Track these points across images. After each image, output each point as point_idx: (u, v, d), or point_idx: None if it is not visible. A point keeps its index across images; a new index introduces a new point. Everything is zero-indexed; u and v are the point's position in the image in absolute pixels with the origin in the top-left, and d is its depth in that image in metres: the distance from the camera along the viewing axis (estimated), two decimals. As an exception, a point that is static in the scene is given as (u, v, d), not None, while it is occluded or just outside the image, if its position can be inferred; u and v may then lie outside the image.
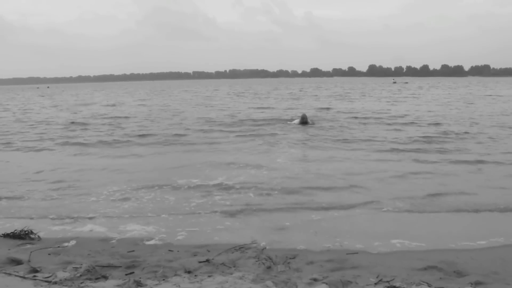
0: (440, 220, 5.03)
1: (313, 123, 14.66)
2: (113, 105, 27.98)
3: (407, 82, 79.58)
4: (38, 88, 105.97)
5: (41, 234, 4.52)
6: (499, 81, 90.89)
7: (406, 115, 17.33)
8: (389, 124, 14.55)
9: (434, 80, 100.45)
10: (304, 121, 14.49)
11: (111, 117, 18.47)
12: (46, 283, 3.13)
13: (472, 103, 24.10)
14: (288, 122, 15.10)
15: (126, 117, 18.34)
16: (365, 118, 16.47)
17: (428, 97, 31.30)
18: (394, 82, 79.09)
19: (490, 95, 32.06)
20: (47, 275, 3.29)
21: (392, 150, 9.62)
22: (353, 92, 40.82)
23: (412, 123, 14.64)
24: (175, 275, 3.34)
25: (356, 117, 16.61)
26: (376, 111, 19.30)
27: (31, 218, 5.16)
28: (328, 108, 21.43)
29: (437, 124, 14.25)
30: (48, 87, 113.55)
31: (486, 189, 6.27)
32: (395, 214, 5.23)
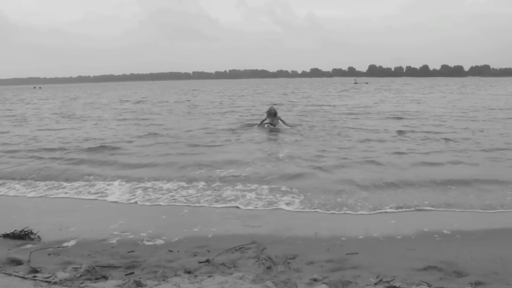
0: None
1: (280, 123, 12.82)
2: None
3: (367, 83, 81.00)
4: (34, 88, 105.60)
5: (41, 234, 4.52)
6: (482, 81, 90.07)
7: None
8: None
9: (408, 81, 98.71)
10: (273, 113, 12.65)
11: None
12: (46, 283, 3.13)
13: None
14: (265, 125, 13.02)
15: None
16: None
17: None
18: (356, 83, 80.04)
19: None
20: (47, 275, 3.29)
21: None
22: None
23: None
24: (175, 275, 3.34)
25: None
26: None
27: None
28: None
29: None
30: (40, 87, 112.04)
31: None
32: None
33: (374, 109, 20.95)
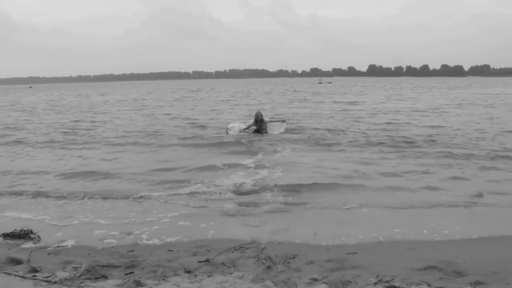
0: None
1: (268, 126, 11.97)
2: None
3: (330, 82, 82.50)
4: (30, 87, 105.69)
5: (41, 234, 4.52)
6: (478, 81, 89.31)
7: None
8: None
9: (390, 81, 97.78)
10: (260, 119, 11.75)
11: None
12: (46, 283, 3.13)
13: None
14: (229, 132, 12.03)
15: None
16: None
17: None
18: (320, 83, 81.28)
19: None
20: (47, 274, 3.29)
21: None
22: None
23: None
24: (175, 274, 3.34)
25: None
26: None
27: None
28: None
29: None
30: (31, 87, 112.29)
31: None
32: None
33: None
